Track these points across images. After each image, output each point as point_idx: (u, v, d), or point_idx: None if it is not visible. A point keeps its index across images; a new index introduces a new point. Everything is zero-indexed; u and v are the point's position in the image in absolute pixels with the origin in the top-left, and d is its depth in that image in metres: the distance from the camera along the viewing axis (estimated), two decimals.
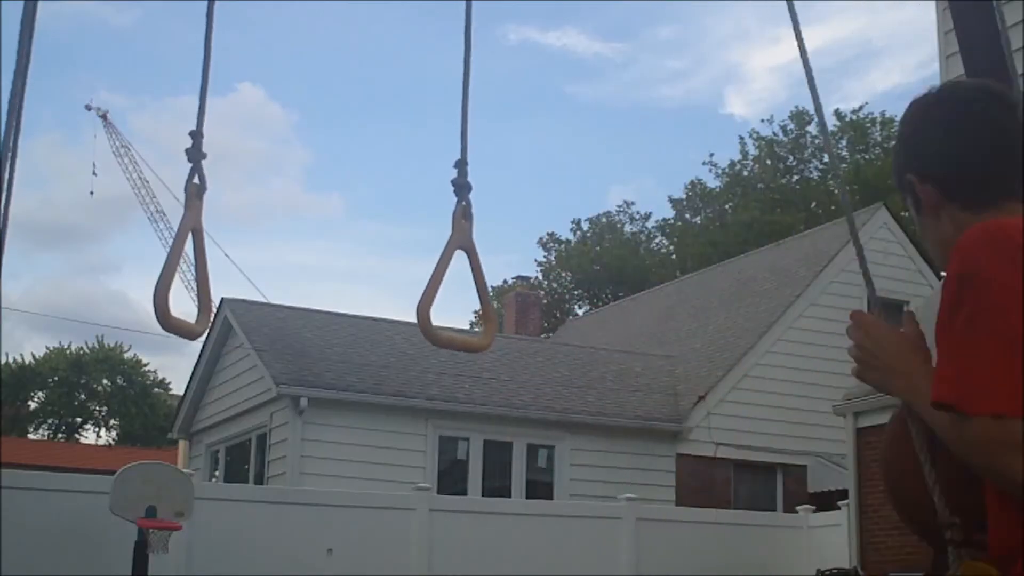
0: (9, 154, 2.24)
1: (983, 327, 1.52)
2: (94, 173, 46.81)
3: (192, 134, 2.41)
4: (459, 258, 2.58)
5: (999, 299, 1.53)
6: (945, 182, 1.78)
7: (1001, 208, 1.72)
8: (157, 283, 2.20)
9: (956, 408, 1.51)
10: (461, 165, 2.62)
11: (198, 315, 2.43)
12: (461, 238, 2.54)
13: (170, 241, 2.38)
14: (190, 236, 2.39)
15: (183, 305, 41.52)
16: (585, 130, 69.59)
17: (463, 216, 2.57)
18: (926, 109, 1.85)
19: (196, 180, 2.40)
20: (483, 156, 60.03)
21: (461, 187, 2.60)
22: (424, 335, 2.45)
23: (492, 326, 2.64)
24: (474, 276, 2.58)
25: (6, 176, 2.20)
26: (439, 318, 2.64)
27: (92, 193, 49.60)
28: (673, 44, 65.04)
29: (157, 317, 2.21)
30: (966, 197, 1.76)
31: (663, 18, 68.02)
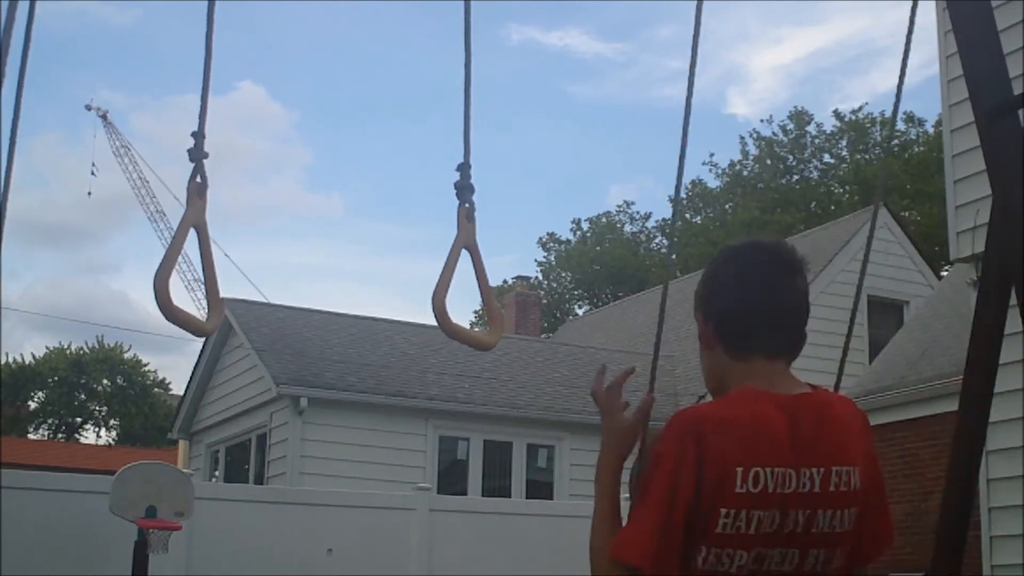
0: (7, 154, 2.24)
1: (643, 494, 1.94)
2: (92, 173, 46.87)
3: (194, 134, 2.42)
4: (463, 257, 2.59)
5: (659, 475, 1.93)
6: (719, 330, 2.10)
7: (748, 362, 2.06)
8: (156, 272, 2.20)
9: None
10: (464, 168, 2.64)
11: (209, 313, 2.43)
12: (466, 238, 2.57)
13: (170, 241, 2.38)
14: (193, 234, 2.39)
15: (184, 306, 41.50)
16: (586, 130, 69.64)
17: (467, 217, 2.59)
18: (721, 260, 2.18)
19: (198, 179, 2.40)
20: (483, 156, 60.01)
21: (464, 189, 2.63)
22: (439, 323, 2.47)
23: (498, 325, 2.66)
24: (477, 276, 2.60)
25: (2, 176, 2.20)
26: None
27: (90, 194, 49.73)
28: (674, 44, 65.02)
29: (159, 306, 2.21)
30: (727, 345, 2.09)
31: (664, 18, 68.00)
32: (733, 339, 2.09)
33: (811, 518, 1.94)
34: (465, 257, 2.59)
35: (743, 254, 2.15)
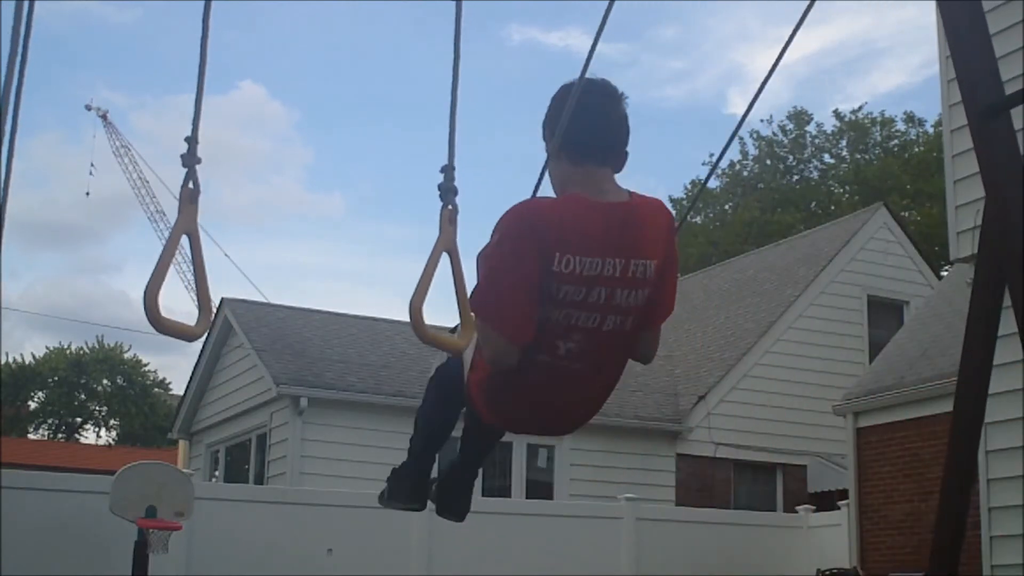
0: (6, 153, 2.24)
1: (494, 265, 2.58)
2: (91, 173, 46.89)
3: (187, 139, 2.42)
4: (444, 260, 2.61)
5: (506, 250, 2.56)
6: (560, 140, 2.68)
7: (583, 166, 2.67)
8: (146, 286, 2.21)
9: (476, 312, 2.60)
10: (448, 170, 2.66)
11: (198, 317, 2.43)
12: (446, 241, 2.60)
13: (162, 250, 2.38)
14: (186, 240, 2.40)
15: (184, 306, 41.54)
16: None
17: (449, 220, 2.62)
18: (565, 91, 2.74)
19: (190, 185, 2.40)
20: (484, 156, 60.10)
21: (447, 191, 2.66)
22: (415, 330, 2.48)
23: (468, 330, 2.69)
24: (454, 279, 2.63)
25: (3, 175, 2.21)
26: (434, 318, 2.66)
27: (88, 194, 49.76)
28: (676, 44, 65.02)
29: (148, 320, 2.22)
30: (568, 154, 2.69)
31: (666, 18, 67.99)
32: (572, 148, 2.68)
33: (611, 295, 2.61)
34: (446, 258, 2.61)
35: (580, 83, 2.72)
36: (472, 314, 2.62)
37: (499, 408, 2.83)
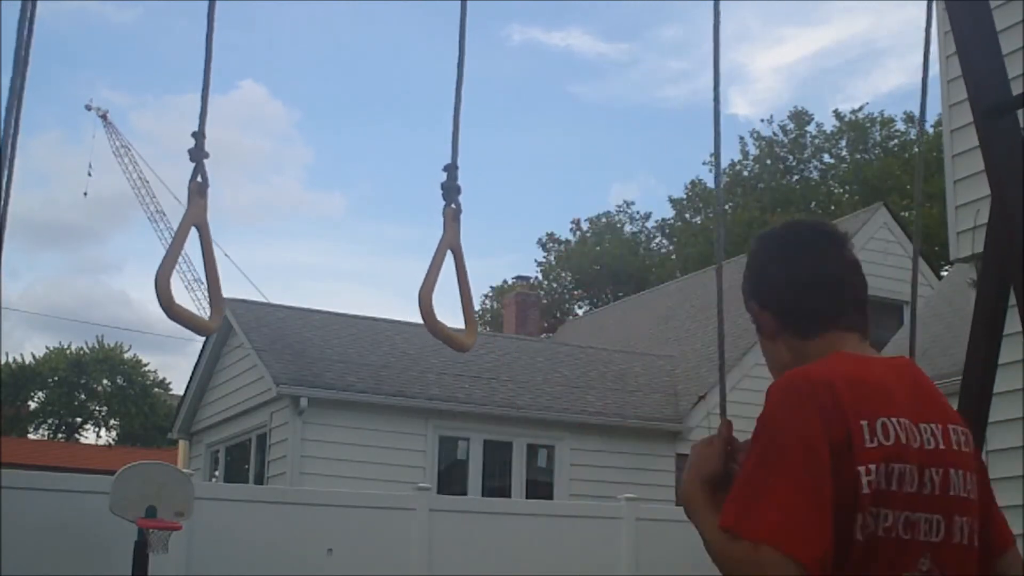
0: (8, 152, 2.24)
1: (770, 465, 1.74)
2: (89, 174, 46.91)
3: (194, 134, 2.42)
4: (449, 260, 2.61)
5: (786, 441, 1.75)
6: (779, 313, 1.98)
7: (824, 338, 1.91)
8: (158, 270, 2.20)
9: (732, 531, 1.72)
10: (451, 169, 2.67)
11: (211, 312, 2.43)
12: (450, 239, 2.59)
13: (170, 241, 2.38)
14: (195, 234, 2.40)
15: (184, 305, 41.46)
16: (587, 130, 69.63)
17: (452, 218, 2.62)
18: (767, 246, 2.05)
19: (199, 179, 2.41)
20: (484, 156, 60.06)
21: (450, 190, 2.66)
22: (424, 320, 2.48)
23: (472, 327, 2.69)
24: (458, 277, 2.63)
25: (4, 175, 2.21)
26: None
27: (86, 194, 49.81)
28: (677, 44, 65.05)
29: (161, 304, 2.21)
30: (795, 327, 1.96)
31: (667, 19, 68.05)
32: (796, 318, 1.96)
33: (945, 478, 1.77)
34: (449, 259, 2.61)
35: (781, 231, 2.08)
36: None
37: None
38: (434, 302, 2.50)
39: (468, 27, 2.76)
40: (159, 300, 2.20)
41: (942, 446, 1.78)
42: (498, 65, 64.93)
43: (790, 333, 1.98)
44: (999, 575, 1.95)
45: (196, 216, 2.36)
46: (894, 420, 1.73)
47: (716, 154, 2.57)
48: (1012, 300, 2.93)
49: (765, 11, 64.37)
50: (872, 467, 1.67)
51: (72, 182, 74.56)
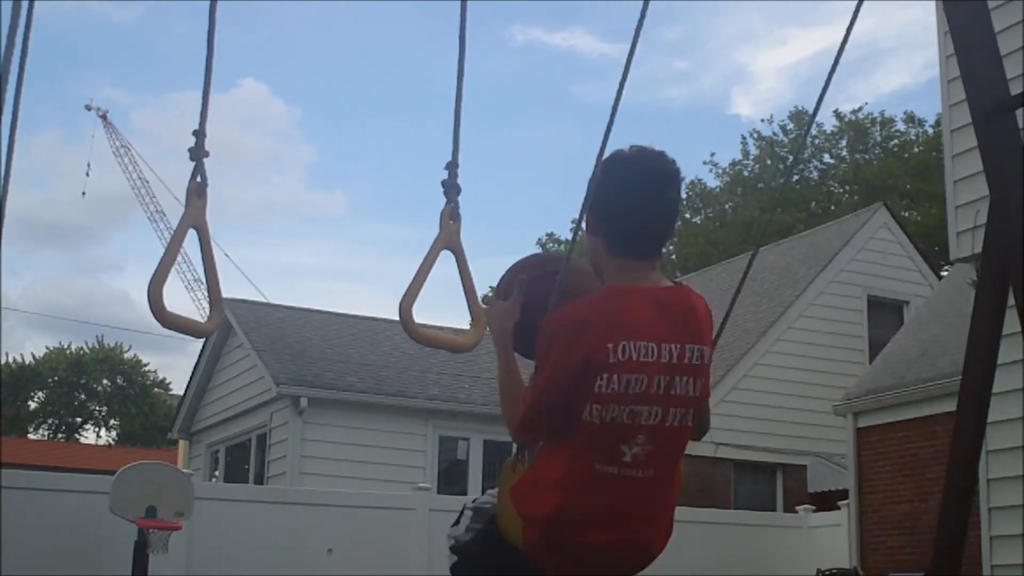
0: (7, 151, 2.24)
1: (539, 372, 2.45)
2: (87, 174, 46.95)
3: (195, 133, 2.42)
4: (450, 259, 2.59)
5: (549, 359, 2.42)
6: (600, 221, 2.51)
7: (621, 259, 2.49)
8: (151, 279, 2.19)
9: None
10: (452, 167, 2.65)
11: (210, 313, 2.42)
12: (447, 238, 2.57)
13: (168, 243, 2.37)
14: (192, 236, 2.39)
15: (184, 306, 41.48)
16: (588, 130, 69.67)
17: (450, 217, 2.60)
18: (614, 166, 2.53)
19: (198, 179, 2.40)
20: (485, 156, 60.10)
21: (450, 188, 2.64)
22: (405, 331, 2.47)
23: (479, 327, 2.66)
24: (461, 276, 2.61)
25: (4, 173, 2.20)
26: (436, 319, 2.66)
27: (84, 194, 49.86)
28: (680, 45, 65.02)
29: (152, 312, 2.20)
30: (605, 239, 2.51)
31: (670, 19, 67.90)
32: (609, 232, 2.50)
33: (670, 384, 2.44)
34: (448, 259, 2.59)
35: (626, 159, 2.52)
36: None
37: (571, 555, 2.49)
38: (436, 303, 2.49)
39: (470, 27, 2.77)
40: (152, 310, 2.19)
41: (675, 361, 2.43)
42: (500, 65, 64.93)
43: (601, 240, 2.51)
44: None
45: (194, 217, 2.35)
46: (637, 344, 2.38)
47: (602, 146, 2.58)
48: (1011, 300, 2.94)
49: (768, 12, 64.34)
50: (606, 376, 2.37)
51: (72, 182, 74.57)
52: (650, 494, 2.49)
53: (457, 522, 3.05)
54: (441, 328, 12.26)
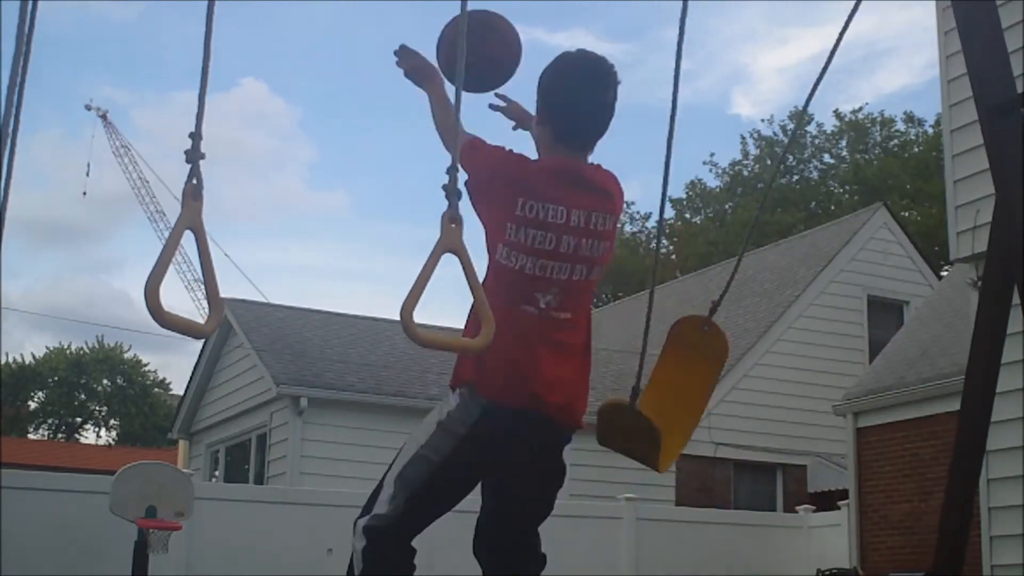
0: (7, 151, 2.23)
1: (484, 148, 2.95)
2: (87, 174, 47.00)
3: (191, 135, 2.41)
4: (454, 262, 2.58)
5: (488, 165, 2.90)
6: (547, 114, 2.97)
7: (562, 145, 2.96)
8: (148, 280, 2.17)
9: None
10: (452, 171, 2.64)
11: (209, 314, 2.41)
12: (450, 241, 2.55)
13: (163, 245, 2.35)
14: (191, 237, 2.38)
15: (184, 306, 41.46)
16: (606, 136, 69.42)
17: (451, 220, 2.58)
18: (560, 66, 2.97)
19: (194, 180, 2.39)
20: None
21: (451, 192, 2.63)
22: (409, 337, 2.44)
23: (488, 328, 2.64)
24: (467, 279, 2.58)
25: (4, 173, 2.20)
26: (439, 319, 2.65)
27: (85, 193, 49.84)
28: (682, 45, 64.85)
29: (150, 313, 2.19)
30: (551, 128, 2.98)
31: (671, 19, 67.56)
32: (553, 124, 2.96)
33: (578, 245, 2.86)
34: (452, 261, 2.58)
35: (573, 61, 2.97)
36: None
37: (493, 374, 2.88)
38: (443, 303, 2.49)
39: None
40: (149, 310, 2.17)
41: (583, 226, 2.86)
42: None
43: (546, 128, 2.98)
44: None
45: (190, 219, 2.34)
46: (548, 205, 2.82)
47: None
48: (1015, 299, 2.93)
49: (769, 12, 64.35)
50: (514, 226, 2.81)
51: (72, 181, 74.55)
52: (564, 341, 2.92)
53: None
54: (441, 329, 12.27)
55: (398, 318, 2.35)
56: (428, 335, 2.49)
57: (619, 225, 3.13)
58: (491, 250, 2.90)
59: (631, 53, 65.18)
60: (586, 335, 3.03)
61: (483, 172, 2.88)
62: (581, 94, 2.93)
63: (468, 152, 2.89)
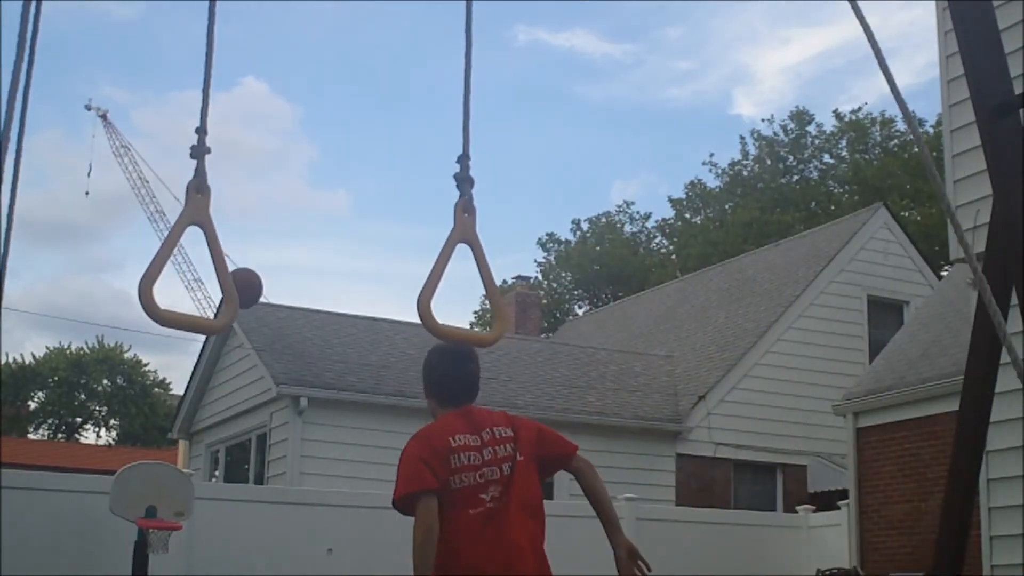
0: (11, 150, 2.23)
1: (405, 471, 3.75)
2: (88, 174, 46.98)
3: (197, 130, 2.41)
4: (462, 256, 2.56)
5: (407, 457, 3.77)
6: (432, 392, 4.05)
7: (445, 407, 3.96)
8: (142, 277, 2.14)
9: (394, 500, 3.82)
10: (463, 160, 2.61)
11: (224, 309, 2.39)
12: (463, 231, 2.52)
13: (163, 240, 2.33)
14: (193, 235, 2.37)
15: (184, 306, 41.41)
16: (589, 130, 69.63)
17: (464, 210, 2.54)
18: (432, 357, 4.07)
19: (198, 175, 2.39)
20: (486, 156, 60.06)
21: (463, 181, 2.59)
22: (425, 327, 2.42)
23: (503, 319, 2.60)
24: (479, 269, 2.55)
25: (8, 174, 2.20)
26: (441, 317, 2.63)
27: (87, 193, 49.81)
28: (682, 45, 65.03)
29: (145, 311, 2.15)
30: (436, 400, 4.02)
31: (672, 19, 67.97)
32: (437, 397, 4.01)
33: (494, 452, 3.80)
34: (464, 254, 2.56)
35: (440, 353, 4.01)
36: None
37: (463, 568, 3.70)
38: (449, 299, 2.46)
39: (474, 27, 2.74)
40: (143, 308, 2.13)
41: (486, 439, 3.81)
42: (503, 65, 64.97)
43: (434, 402, 4.02)
44: (574, 469, 4.02)
45: (194, 214, 2.31)
46: (464, 435, 3.79)
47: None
48: (1014, 300, 2.93)
49: (770, 12, 64.34)
50: (454, 455, 3.73)
51: (72, 180, 74.51)
52: (512, 520, 3.75)
53: None
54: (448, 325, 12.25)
55: (399, 318, 2.35)
56: (445, 327, 2.47)
57: (536, 431, 3.99)
58: (447, 485, 3.77)
59: (631, 53, 65.16)
60: (536, 518, 3.96)
61: (410, 475, 3.76)
62: (449, 374, 3.97)
63: (403, 494, 3.77)
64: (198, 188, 2.33)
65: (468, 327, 33.45)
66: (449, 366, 3.94)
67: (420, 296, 2.40)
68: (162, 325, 2.23)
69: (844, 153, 39.03)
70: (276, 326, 16.54)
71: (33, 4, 2.25)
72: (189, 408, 18.57)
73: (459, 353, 3.96)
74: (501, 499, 3.73)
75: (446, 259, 2.47)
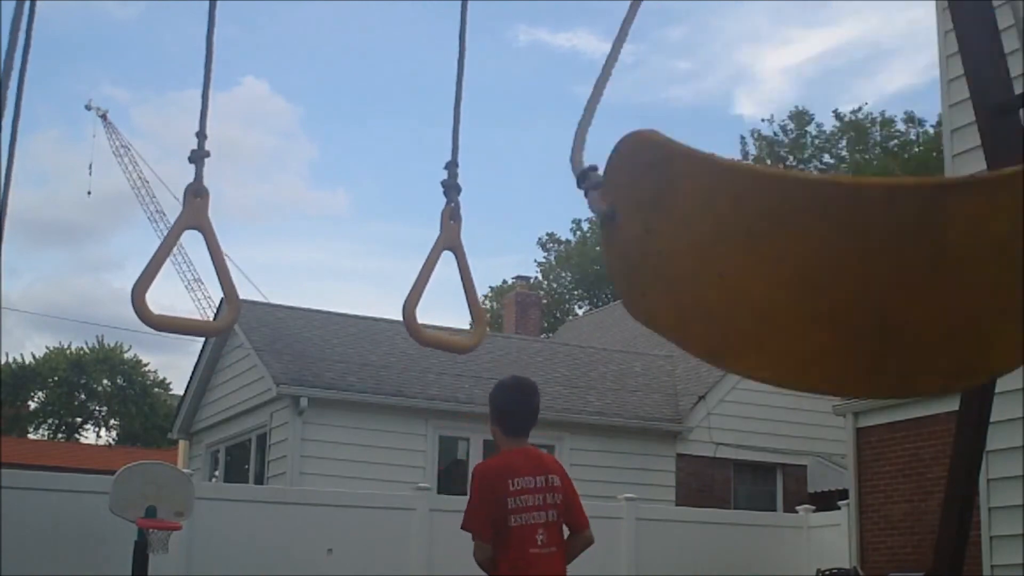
0: (7, 150, 2.23)
1: (471, 509, 4.27)
2: (90, 174, 46.98)
3: (197, 134, 2.41)
4: (450, 261, 2.58)
5: (473, 492, 4.30)
6: (497, 420, 4.43)
7: (511, 439, 4.37)
8: (136, 281, 2.14)
9: (464, 528, 4.25)
10: (451, 167, 2.63)
11: (226, 310, 2.39)
12: (448, 238, 2.54)
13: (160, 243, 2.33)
14: (192, 238, 2.37)
15: (184, 307, 41.42)
16: (591, 130, 69.44)
17: (451, 217, 2.57)
18: (501, 388, 4.49)
19: (196, 179, 2.39)
20: (486, 156, 60.09)
21: (450, 188, 2.62)
22: (409, 333, 2.44)
23: (481, 327, 2.64)
24: (461, 276, 2.58)
25: (3, 173, 2.20)
26: (438, 319, 2.64)
27: (89, 193, 49.85)
28: (683, 45, 65.04)
29: (137, 316, 2.15)
30: (501, 429, 4.41)
31: (673, 19, 67.94)
32: (502, 425, 4.39)
33: (544, 498, 4.22)
34: (447, 260, 2.57)
35: (510, 387, 4.50)
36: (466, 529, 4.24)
37: None
38: (438, 302, 2.48)
39: (475, 27, 2.76)
40: (138, 316, 2.13)
41: (541, 485, 4.23)
42: (504, 65, 64.99)
43: (499, 429, 4.40)
44: (573, 544, 4.35)
45: (192, 218, 2.32)
46: (523, 478, 4.20)
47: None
48: None
49: (772, 12, 64.39)
50: (510, 498, 4.17)
51: (73, 180, 74.38)
52: (554, 561, 4.24)
53: None
54: (440, 328, 12.25)
55: (398, 318, 2.35)
56: (427, 333, 2.49)
57: (569, 486, 4.41)
58: (505, 522, 4.27)
59: (632, 53, 65.12)
60: (563, 563, 4.35)
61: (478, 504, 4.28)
62: (519, 406, 4.38)
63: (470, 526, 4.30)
64: (196, 192, 2.34)
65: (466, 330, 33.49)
66: (519, 398, 4.38)
67: (405, 303, 2.42)
68: (156, 329, 2.23)
69: (844, 153, 39.05)
70: (276, 326, 16.54)
71: (26, 4, 2.25)
72: (189, 408, 18.57)
73: (528, 387, 4.45)
74: (548, 544, 4.23)
75: (432, 266, 2.50)
